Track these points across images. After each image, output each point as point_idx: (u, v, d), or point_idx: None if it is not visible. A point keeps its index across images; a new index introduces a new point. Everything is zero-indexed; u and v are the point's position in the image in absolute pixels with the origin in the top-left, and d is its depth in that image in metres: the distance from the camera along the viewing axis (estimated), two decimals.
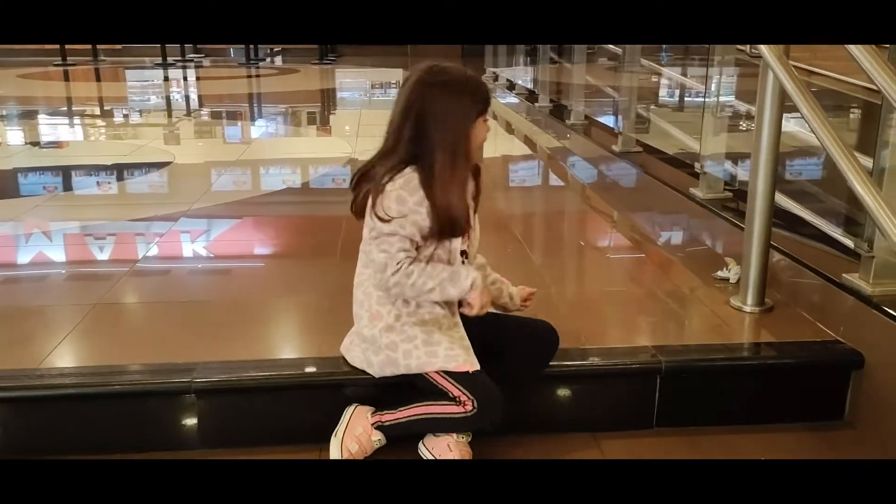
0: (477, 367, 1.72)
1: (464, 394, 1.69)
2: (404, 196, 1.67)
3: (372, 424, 1.77)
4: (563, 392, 1.99)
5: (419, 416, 1.75)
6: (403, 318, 1.74)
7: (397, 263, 1.67)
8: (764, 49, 2.03)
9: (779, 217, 2.32)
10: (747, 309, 2.28)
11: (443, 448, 1.77)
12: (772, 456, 1.88)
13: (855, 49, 1.68)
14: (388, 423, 1.77)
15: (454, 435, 1.77)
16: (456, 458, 1.75)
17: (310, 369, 1.95)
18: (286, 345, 2.18)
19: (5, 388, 1.84)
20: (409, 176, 1.68)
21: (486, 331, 1.83)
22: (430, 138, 1.67)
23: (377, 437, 1.77)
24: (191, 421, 1.87)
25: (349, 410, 1.81)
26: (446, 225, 1.69)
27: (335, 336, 2.09)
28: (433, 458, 1.78)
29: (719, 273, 2.50)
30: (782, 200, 2.43)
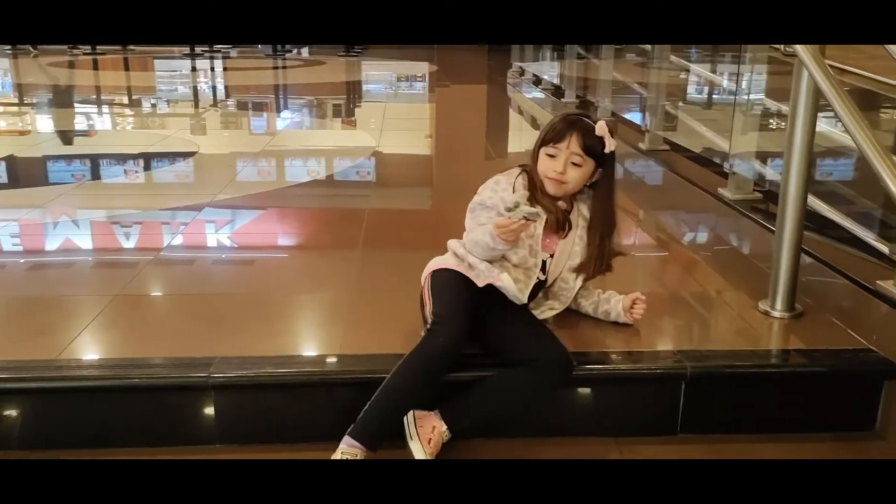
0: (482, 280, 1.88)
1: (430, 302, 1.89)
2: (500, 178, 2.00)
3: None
4: (585, 395, 1.96)
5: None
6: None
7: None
8: (799, 47, 1.97)
9: (810, 220, 2.26)
10: (776, 314, 2.22)
11: (426, 429, 1.76)
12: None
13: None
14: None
15: (442, 424, 1.76)
16: (424, 450, 1.72)
17: (328, 367, 1.93)
18: (305, 340, 2.15)
19: (23, 380, 1.84)
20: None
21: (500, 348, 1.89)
22: None
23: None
24: (208, 416, 1.86)
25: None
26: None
27: (355, 332, 2.08)
28: (413, 435, 1.75)
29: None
30: (813, 203, 2.36)
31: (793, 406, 1.98)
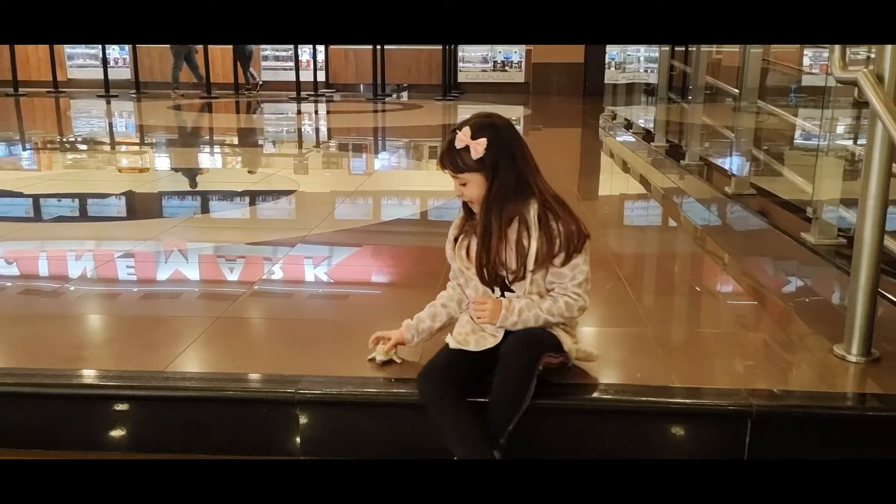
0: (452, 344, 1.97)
1: None
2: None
3: None
4: (649, 429, 2.01)
5: None
6: None
7: None
8: (871, 95, 2.00)
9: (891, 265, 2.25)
10: (851, 358, 2.21)
11: None
12: None
13: None
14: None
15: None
16: None
17: (404, 388, 2.05)
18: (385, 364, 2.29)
19: (134, 387, 2.06)
20: None
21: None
22: None
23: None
24: (293, 429, 2.02)
25: None
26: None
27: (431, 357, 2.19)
28: None
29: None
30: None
31: (863, 449, 1.97)
